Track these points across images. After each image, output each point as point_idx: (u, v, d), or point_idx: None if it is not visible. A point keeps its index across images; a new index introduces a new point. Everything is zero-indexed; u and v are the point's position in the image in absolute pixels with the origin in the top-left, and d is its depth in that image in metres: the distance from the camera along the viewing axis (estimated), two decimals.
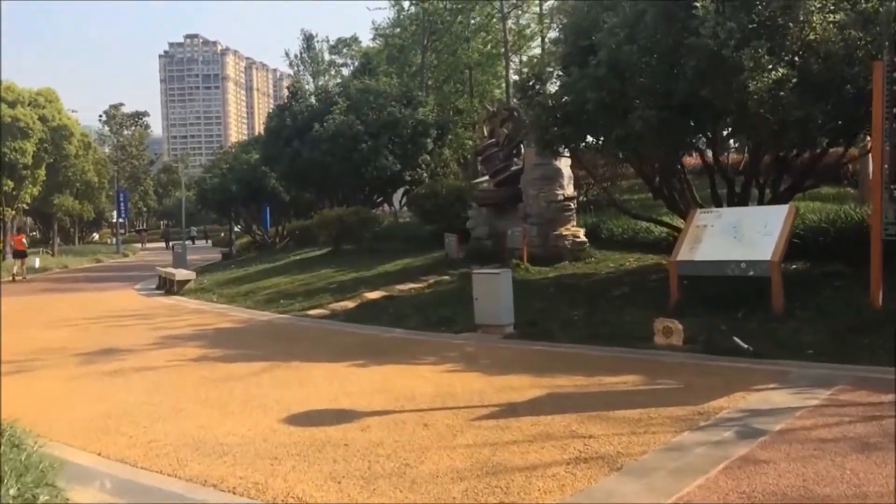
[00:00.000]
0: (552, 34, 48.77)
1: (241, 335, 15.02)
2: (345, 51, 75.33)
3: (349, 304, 18.16)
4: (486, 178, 37.57)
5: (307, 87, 45.33)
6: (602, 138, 15.43)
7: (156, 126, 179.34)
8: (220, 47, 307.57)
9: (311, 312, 17.87)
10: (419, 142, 34.52)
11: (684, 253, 13.23)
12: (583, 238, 19.23)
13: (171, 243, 69.37)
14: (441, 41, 47.97)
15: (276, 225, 45.98)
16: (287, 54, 73.77)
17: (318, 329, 15.48)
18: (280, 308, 19.02)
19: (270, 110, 48.02)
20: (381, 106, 33.83)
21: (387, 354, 12.01)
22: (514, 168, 21.22)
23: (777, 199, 15.09)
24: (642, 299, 14.34)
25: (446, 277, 19.42)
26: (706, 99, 13.44)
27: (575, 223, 19.99)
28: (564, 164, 20.03)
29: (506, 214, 21.05)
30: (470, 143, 47.26)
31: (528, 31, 47.57)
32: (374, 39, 56.22)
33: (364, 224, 26.22)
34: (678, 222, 16.53)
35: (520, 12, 45.45)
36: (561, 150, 15.57)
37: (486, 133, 22.21)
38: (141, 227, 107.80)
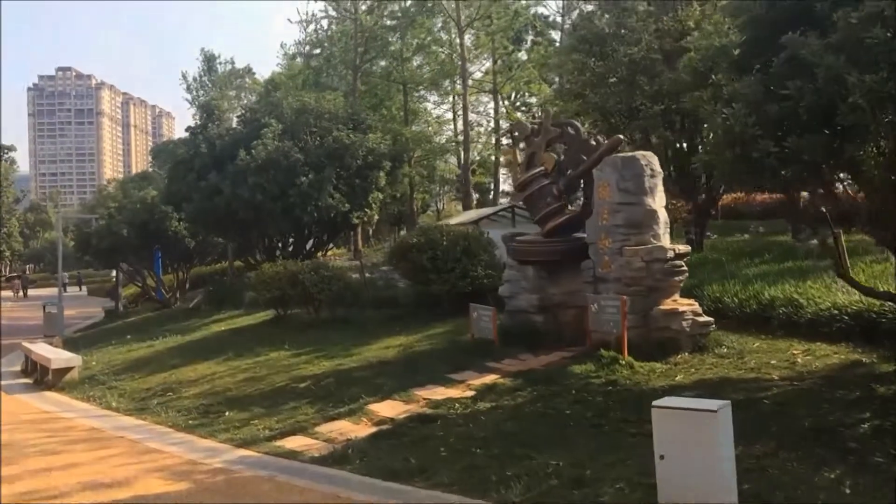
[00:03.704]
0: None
1: None
2: (237, 82, 67.64)
3: (355, 430, 11.11)
4: (456, 217, 31.00)
5: (225, 105, 37.46)
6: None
7: (23, 162, 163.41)
8: (94, 81, 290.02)
9: (293, 446, 10.72)
10: (370, 175, 27.59)
11: None
12: (705, 317, 12.79)
13: (24, 291, 59.22)
14: (374, 62, 41.43)
15: (171, 273, 37.82)
16: (184, 76, 65.13)
17: None
18: (233, 433, 11.71)
19: (152, 145, 39.75)
20: (325, 130, 26.73)
21: None
22: (569, 208, 14.74)
23: None
24: None
25: (495, 378, 12.57)
26: None
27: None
28: (660, 204, 13.66)
29: (563, 276, 14.48)
30: (407, 179, 40.66)
31: (477, 51, 41.64)
32: (294, 58, 48.76)
33: (326, 283, 19.02)
34: None
35: (475, 26, 39.16)
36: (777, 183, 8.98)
37: (518, 160, 15.64)
38: (14, 273, 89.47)
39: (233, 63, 66.03)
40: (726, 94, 8.49)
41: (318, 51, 46.57)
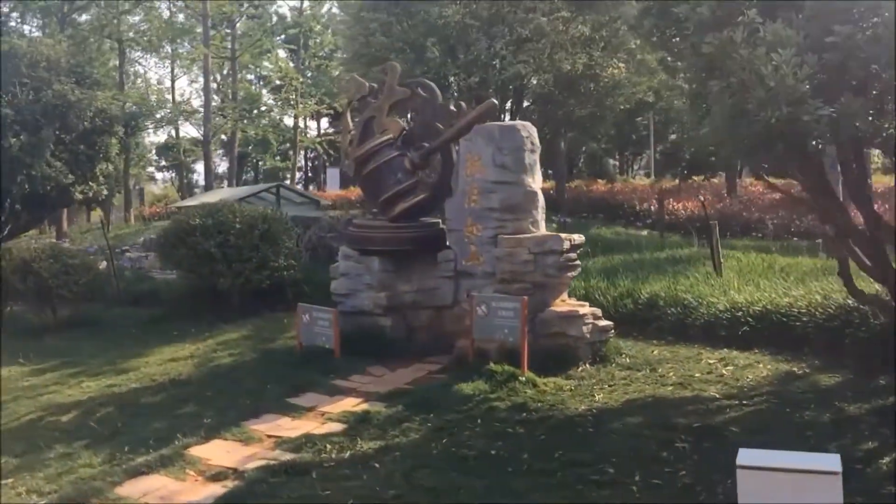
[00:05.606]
0: None
1: None
2: None
3: (184, 492, 7.64)
4: (205, 196, 26.23)
5: None
6: None
7: None
8: None
9: None
10: (98, 142, 22.62)
11: None
12: (605, 320, 10.78)
13: None
14: (83, 12, 35.37)
15: None
16: None
17: None
18: None
19: None
20: (43, 81, 21.29)
21: None
22: (421, 186, 12.03)
23: None
24: None
25: (357, 403, 9.59)
26: None
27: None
28: (538, 185, 11.46)
29: (415, 271, 11.77)
30: (124, 152, 35.14)
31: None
32: None
33: (72, 275, 14.41)
34: None
35: None
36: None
37: (350, 127, 12.60)
38: None
39: None
40: (768, 36, 6.45)
41: None
